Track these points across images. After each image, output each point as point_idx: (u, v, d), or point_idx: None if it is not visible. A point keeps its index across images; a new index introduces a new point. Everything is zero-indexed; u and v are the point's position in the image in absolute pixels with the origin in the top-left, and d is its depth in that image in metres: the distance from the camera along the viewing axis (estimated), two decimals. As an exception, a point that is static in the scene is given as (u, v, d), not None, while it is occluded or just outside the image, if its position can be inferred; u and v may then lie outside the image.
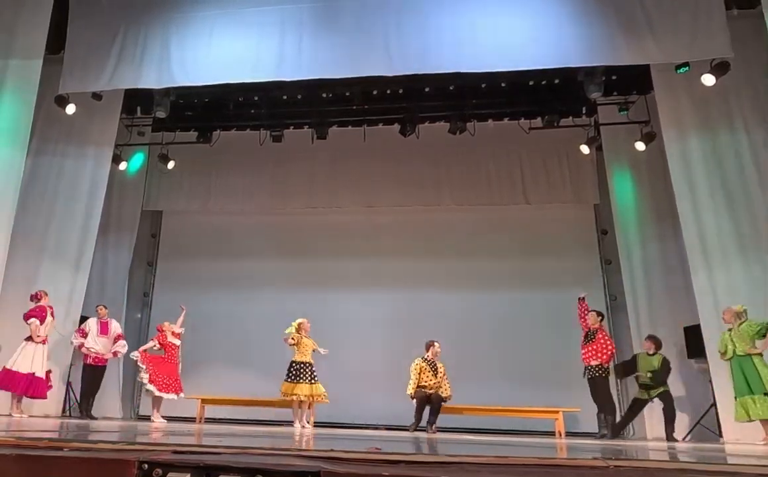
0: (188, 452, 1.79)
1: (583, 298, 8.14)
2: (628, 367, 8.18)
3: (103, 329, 8.51)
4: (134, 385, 10.58)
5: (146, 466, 1.65)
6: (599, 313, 8.01)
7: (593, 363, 7.64)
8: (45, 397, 7.76)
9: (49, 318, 7.83)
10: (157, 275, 11.42)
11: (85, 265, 8.89)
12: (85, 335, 8.36)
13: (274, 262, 11.00)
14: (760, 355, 6.44)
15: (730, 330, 6.70)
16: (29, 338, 7.62)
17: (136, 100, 10.13)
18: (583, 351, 7.85)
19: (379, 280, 10.53)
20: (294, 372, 7.57)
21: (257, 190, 11.15)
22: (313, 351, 7.75)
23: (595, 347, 7.71)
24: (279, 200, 11.13)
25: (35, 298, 7.87)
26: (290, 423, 8.49)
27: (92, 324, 8.47)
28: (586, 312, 8.02)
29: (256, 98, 10.26)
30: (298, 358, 7.63)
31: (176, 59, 8.01)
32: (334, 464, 1.66)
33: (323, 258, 10.79)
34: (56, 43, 8.39)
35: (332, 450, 1.98)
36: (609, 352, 7.65)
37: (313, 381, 7.57)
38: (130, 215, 10.71)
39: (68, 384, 8.79)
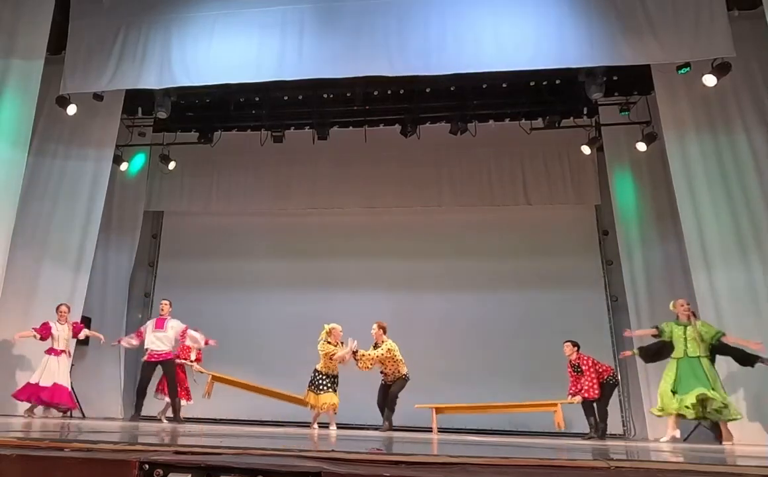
0: (189, 453, 1.79)
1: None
2: (654, 350, 7.20)
3: (159, 324, 8.12)
4: (135, 385, 10.58)
5: (147, 466, 1.65)
6: (574, 344, 7.89)
7: (590, 394, 7.62)
8: (74, 407, 8.02)
9: (61, 331, 7.86)
10: (158, 276, 11.41)
11: (86, 266, 8.87)
12: (141, 336, 8.15)
13: (275, 263, 11.00)
14: (707, 356, 6.49)
15: (682, 325, 6.63)
16: (49, 351, 7.77)
17: (137, 101, 10.13)
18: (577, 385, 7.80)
19: (380, 280, 10.53)
20: (310, 379, 7.71)
21: (258, 190, 11.15)
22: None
23: (584, 381, 7.67)
24: (280, 201, 11.13)
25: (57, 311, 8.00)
26: (291, 423, 8.51)
27: (149, 323, 8.27)
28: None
29: (257, 99, 10.27)
30: (318, 366, 7.71)
31: (177, 59, 8.01)
32: (335, 465, 1.66)
33: (324, 258, 10.79)
34: (57, 43, 8.39)
35: (333, 450, 1.98)
36: (596, 387, 7.59)
37: (318, 391, 7.53)
38: (131, 216, 10.70)
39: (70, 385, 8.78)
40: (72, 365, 8.69)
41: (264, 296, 10.75)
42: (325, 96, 10.08)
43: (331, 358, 7.55)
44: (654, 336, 7.00)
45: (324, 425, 7.63)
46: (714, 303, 7.25)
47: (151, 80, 8.12)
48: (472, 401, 8.59)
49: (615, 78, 9.24)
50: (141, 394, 8.03)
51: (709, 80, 7.55)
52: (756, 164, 7.49)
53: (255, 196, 11.14)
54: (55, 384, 7.62)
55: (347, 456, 1.80)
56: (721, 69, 7.40)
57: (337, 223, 11.03)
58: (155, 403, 8.67)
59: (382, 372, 7.89)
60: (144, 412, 9.94)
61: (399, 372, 7.79)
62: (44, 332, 7.78)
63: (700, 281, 7.44)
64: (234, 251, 11.12)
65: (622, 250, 9.25)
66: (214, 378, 8.62)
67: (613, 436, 8.76)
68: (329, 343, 7.63)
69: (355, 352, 7.61)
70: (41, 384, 7.59)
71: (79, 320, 8.64)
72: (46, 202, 8.86)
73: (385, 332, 7.90)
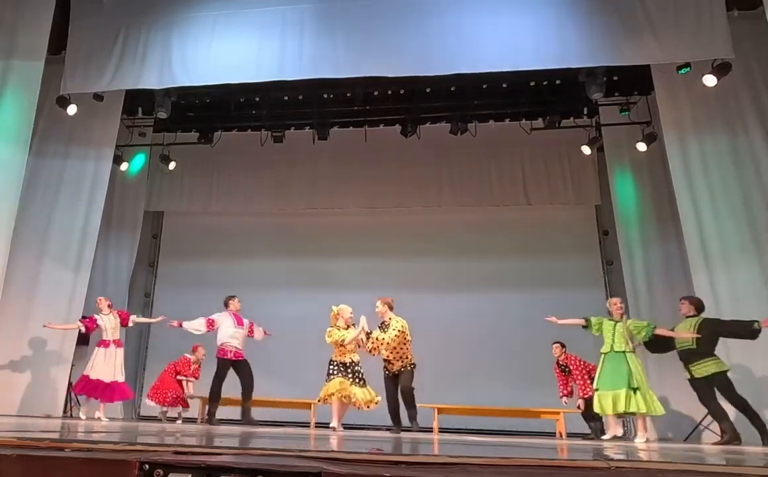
0: (189, 453, 1.79)
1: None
2: (659, 344, 7.01)
3: (239, 320, 7.83)
4: (135, 385, 10.59)
5: (147, 466, 1.65)
6: (562, 345, 8.02)
7: (585, 395, 7.66)
8: (131, 397, 8.22)
9: (107, 321, 7.92)
10: (158, 276, 11.42)
11: (86, 266, 8.87)
12: (212, 327, 7.76)
13: (275, 263, 11.00)
14: (633, 351, 6.54)
15: (613, 322, 6.70)
16: (99, 343, 7.87)
17: (138, 101, 10.13)
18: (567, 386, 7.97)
19: (380, 280, 10.50)
20: (327, 372, 6.92)
21: (258, 190, 11.16)
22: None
23: (573, 381, 7.84)
24: (280, 201, 11.14)
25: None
26: (291, 424, 8.46)
27: (224, 317, 7.81)
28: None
29: (257, 99, 10.27)
30: (333, 355, 6.90)
31: (177, 59, 8.01)
32: (335, 465, 1.66)
33: (324, 259, 10.79)
34: (57, 43, 8.39)
35: (333, 451, 1.98)
36: (588, 384, 7.60)
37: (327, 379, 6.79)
38: (131, 216, 10.70)
39: (69, 384, 8.77)
40: (72, 365, 8.70)
41: (264, 296, 10.71)
42: (325, 96, 10.08)
43: (342, 345, 6.71)
44: (584, 327, 7.08)
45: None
46: (714, 303, 7.24)
47: (151, 80, 8.12)
48: (471, 401, 8.60)
49: (615, 78, 9.23)
50: (217, 397, 7.63)
51: (709, 80, 7.55)
52: (756, 164, 7.49)
53: (255, 196, 11.15)
54: (99, 380, 7.67)
55: (347, 456, 1.80)
56: (721, 69, 7.39)
57: (337, 223, 11.03)
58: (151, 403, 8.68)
59: (385, 360, 7.07)
60: (144, 413, 9.94)
61: (407, 357, 7.00)
62: (90, 324, 7.88)
63: (700, 281, 7.43)
64: (234, 251, 11.11)
65: (623, 250, 9.24)
66: (206, 401, 8.63)
67: (613, 436, 8.75)
68: (339, 328, 6.86)
69: (368, 334, 6.89)
70: (91, 377, 7.67)
71: (78, 320, 8.63)
72: (46, 202, 8.86)
73: (391, 309, 7.10)
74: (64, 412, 8.70)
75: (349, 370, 6.71)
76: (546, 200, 10.55)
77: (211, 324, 7.71)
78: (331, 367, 6.80)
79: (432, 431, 8.01)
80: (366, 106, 10.20)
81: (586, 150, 10.00)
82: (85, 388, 7.73)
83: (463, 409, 8.47)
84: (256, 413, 9.48)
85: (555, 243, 10.38)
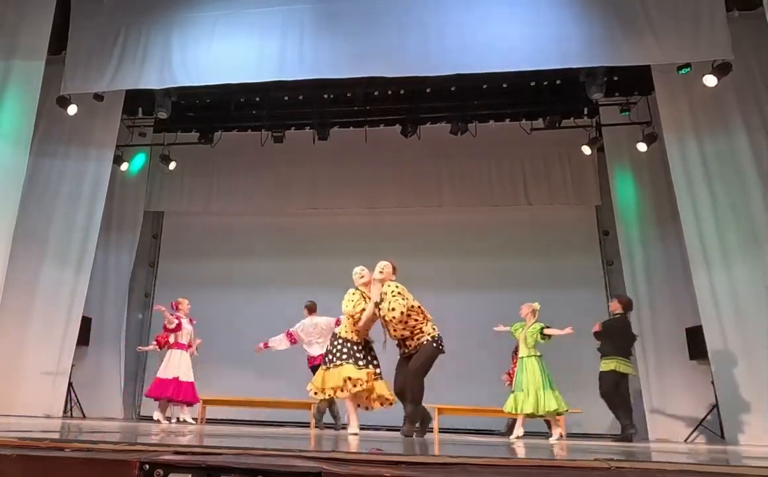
0: (189, 453, 1.79)
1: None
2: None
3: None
4: (135, 385, 10.60)
5: (147, 466, 1.65)
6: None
7: None
8: (196, 401, 7.92)
9: (188, 326, 7.90)
10: (158, 276, 11.43)
11: (87, 267, 8.88)
12: (293, 339, 7.82)
13: (275, 263, 11.00)
14: (535, 356, 6.66)
15: (523, 326, 6.85)
16: (177, 346, 7.81)
17: (138, 101, 10.14)
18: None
19: (380, 280, 10.50)
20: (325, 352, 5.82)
21: (258, 190, 11.16)
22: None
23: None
24: (280, 201, 11.14)
25: (174, 307, 8.01)
26: (291, 424, 8.45)
27: (308, 323, 7.79)
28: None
29: (257, 99, 10.28)
30: (340, 330, 5.73)
31: (177, 60, 8.02)
32: (336, 465, 1.66)
33: (325, 259, 10.76)
34: (57, 43, 8.39)
35: (333, 450, 1.98)
36: None
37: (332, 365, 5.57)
38: (131, 216, 10.71)
39: (69, 384, 8.77)
40: (72, 365, 8.71)
41: (264, 296, 10.75)
42: (326, 96, 10.09)
43: (356, 324, 5.49)
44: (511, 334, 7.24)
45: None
46: (714, 303, 7.26)
47: (151, 80, 8.12)
48: (471, 401, 8.60)
49: (615, 78, 9.24)
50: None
51: (710, 81, 7.55)
52: (756, 164, 7.49)
53: (255, 196, 11.15)
54: (191, 382, 7.69)
55: (347, 456, 1.80)
56: (721, 69, 7.39)
57: (337, 224, 11.03)
58: (151, 403, 8.67)
59: (400, 341, 5.67)
60: (144, 413, 9.94)
61: (422, 332, 5.58)
62: (179, 324, 7.80)
63: (700, 281, 7.44)
64: (234, 251, 11.12)
65: (623, 250, 9.24)
66: (205, 402, 8.61)
67: (614, 437, 8.75)
68: (364, 298, 5.62)
69: (377, 303, 5.55)
70: (181, 379, 7.61)
71: (78, 321, 8.63)
72: (46, 202, 8.86)
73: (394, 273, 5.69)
74: (64, 412, 8.71)
75: (357, 351, 5.50)
76: (546, 200, 10.55)
77: (292, 338, 7.78)
78: (340, 346, 5.52)
79: (432, 431, 8.02)
80: (366, 106, 10.21)
81: (586, 150, 10.01)
82: (180, 393, 7.60)
83: (463, 409, 8.47)
84: (255, 413, 9.55)
85: (555, 243, 10.39)
